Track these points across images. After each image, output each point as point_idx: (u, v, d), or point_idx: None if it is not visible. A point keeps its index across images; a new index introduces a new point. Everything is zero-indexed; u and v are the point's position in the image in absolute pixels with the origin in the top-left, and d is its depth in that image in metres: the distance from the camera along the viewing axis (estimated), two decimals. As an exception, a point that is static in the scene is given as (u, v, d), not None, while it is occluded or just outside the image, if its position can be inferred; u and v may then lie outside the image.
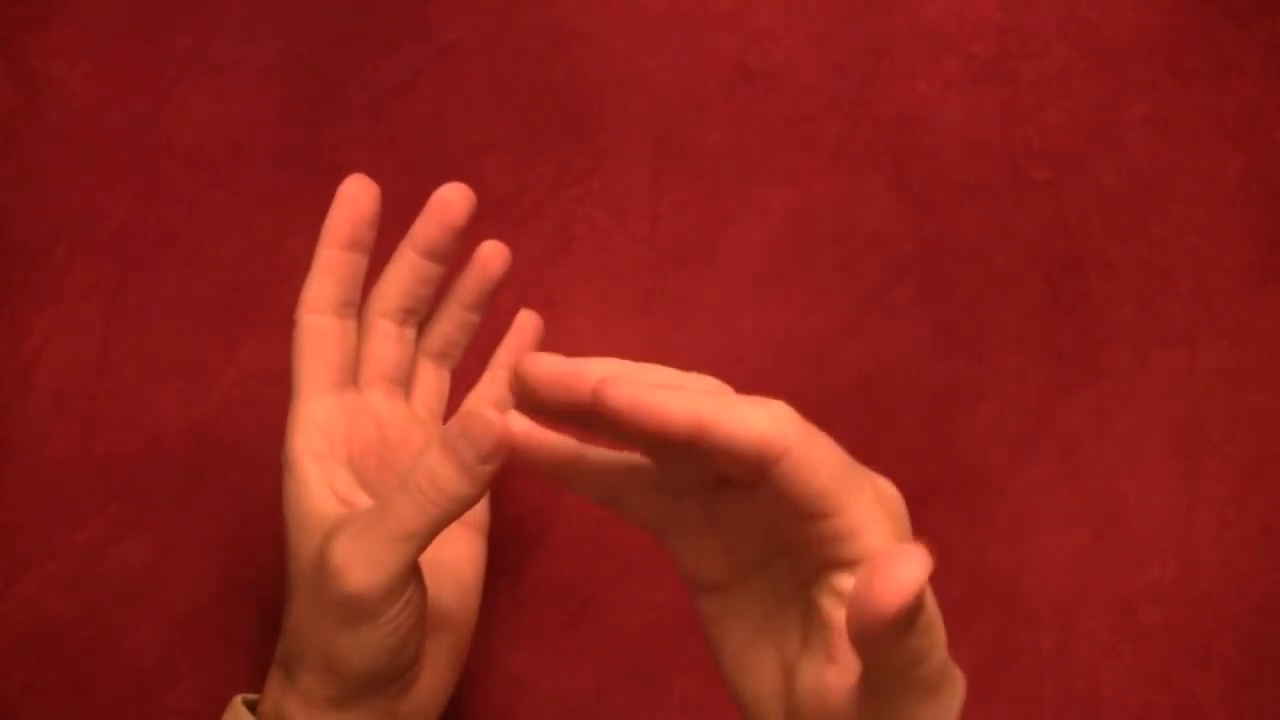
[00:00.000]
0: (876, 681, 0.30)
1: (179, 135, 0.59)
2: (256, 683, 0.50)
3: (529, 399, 0.32)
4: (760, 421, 0.30)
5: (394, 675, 0.39)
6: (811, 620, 0.33)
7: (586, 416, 0.31)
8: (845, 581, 0.32)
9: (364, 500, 0.40)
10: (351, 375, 0.42)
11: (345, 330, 0.42)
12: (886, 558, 0.26)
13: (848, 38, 0.61)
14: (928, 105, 0.59)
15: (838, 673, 0.32)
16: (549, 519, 0.51)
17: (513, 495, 0.51)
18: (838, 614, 0.32)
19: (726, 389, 0.34)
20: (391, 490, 0.37)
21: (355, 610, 0.37)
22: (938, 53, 0.60)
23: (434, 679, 0.42)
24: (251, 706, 0.41)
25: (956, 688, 0.31)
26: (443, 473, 0.36)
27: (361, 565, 0.36)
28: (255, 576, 0.50)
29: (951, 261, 0.56)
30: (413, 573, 0.38)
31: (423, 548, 0.37)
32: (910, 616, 0.27)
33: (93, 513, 0.52)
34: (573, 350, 0.55)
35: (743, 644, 0.35)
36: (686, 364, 0.55)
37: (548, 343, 0.55)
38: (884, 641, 0.27)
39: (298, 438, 0.40)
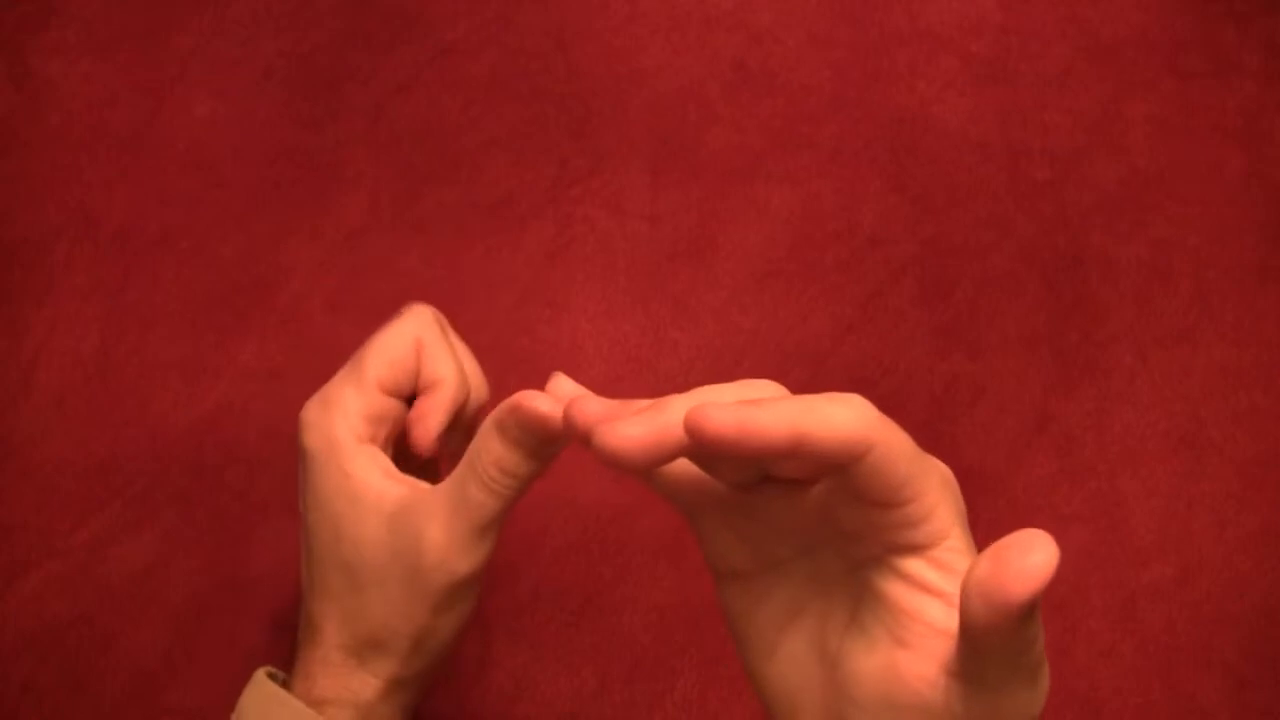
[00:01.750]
0: (982, 670, 0.29)
1: (179, 135, 0.59)
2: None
3: (628, 468, 0.30)
4: (847, 420, 0.29)
5: (457, 648, 0.41)
6: (867, 605, 0.32)
7: (680, 455, 0.30)
8: (912, 565, 0.31)
9: (404, 478, 0.40)
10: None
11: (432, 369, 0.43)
12: (1013, 545, 0.26)
13: (848, 38, 0.61)
14: (928, 105, 0.59)
15: (913, 658, 0.31)
16: (549, 519, 0.51)
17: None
18: (907, 598, 0.31)
19: (785, 390, 0.33)
20: (461, 479, 0.38)
21: (458, 593, 0.39)
22: (938, 53, 0.60)
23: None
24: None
25: (1047, 672, 0.31)
26: (511, 461, 0.37)
27: (461, 556, 0.38)
28: (255, 576, 0.50)
29: (951, 261, 0.56)
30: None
31: (503, 523, 0.39)
32: (1036, 603, 0.27)
33: (93, 513, 0.52)
34: (573, 350, 0.55)
35: (773, 632, 0.35)
36: (687, 363, 0.55)
37: (549, 342, 0.55)
38: (1008, 630, 0.27)
39: (340, 421, 0.40)
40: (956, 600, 0.31)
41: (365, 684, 0.39)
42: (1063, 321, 0.55)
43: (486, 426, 0.37)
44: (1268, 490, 0.51)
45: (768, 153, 0.58)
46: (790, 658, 0.34)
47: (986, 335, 0.54)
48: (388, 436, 0.42)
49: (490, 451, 0.37)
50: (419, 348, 0.42)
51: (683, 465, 0.35)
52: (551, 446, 0.37)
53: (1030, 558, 0.26)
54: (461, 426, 0.44)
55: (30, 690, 0.49)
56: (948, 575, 0.31)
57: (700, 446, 0.29)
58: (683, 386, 0.54)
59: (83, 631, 0.50)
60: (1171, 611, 0.49)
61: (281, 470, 0.52)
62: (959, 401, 0.54)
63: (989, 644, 0.28)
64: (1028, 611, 0.27)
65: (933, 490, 0.31)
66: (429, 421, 0.41)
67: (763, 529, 0.34)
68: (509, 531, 0.51)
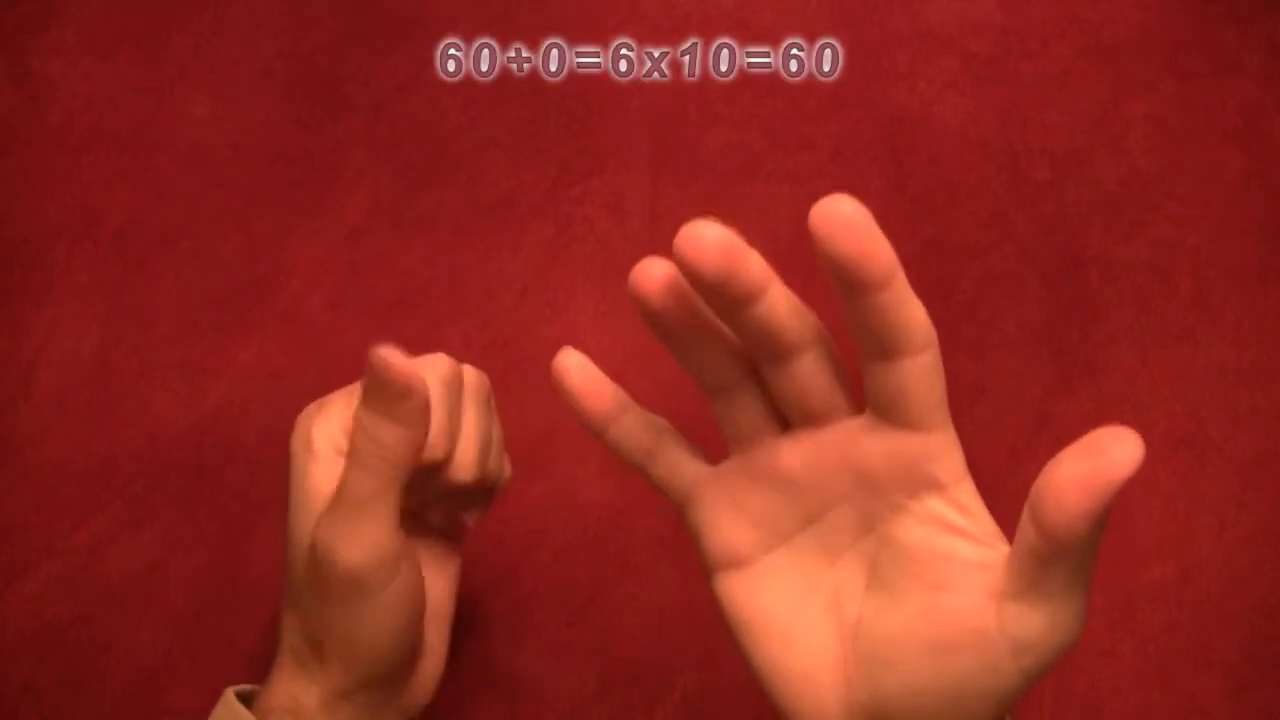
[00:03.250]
0: (1051, 579, 0.30)
1: (179, 135, 0.59)
2: (255, 682, 0.50)
3: (701, 274, 0.31)
4: (923, 310, 0.31)
5: (405, 659, 0.40)
6: (889, 561, 0.33)
7: (750, 279, 0.31)
8: (935, 506, 0.33)
9: None
10: None
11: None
12: (1103, 437, 0.28)
13: (848, 38, 0.61)
14: (928, 105, 0.59)
15: (955, 596, 0.32)
16: (550, 520, 0.51)
17: (513, 496, 0.51)
18: (937, 541, 0.32)
19: None
20: (345, 465, 0.37)
21: (355, 588, 0.37)
22: (938, 53, 0.60)
23: (426, 667, 0.42)
24: (244, 698, 0.41)
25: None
26: (373, 428, 0.37)
27: (343, 543, 0.37)
28: (255, 576, 0.50)
29: (951, 261, 0.56)
30: (398, 540, 0.38)
31: (394, 507, 0.37)
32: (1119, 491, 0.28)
33: (93, 513, 0.52)
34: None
35: (783, 615, 0.35)
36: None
37: (549, 342, 0.55)
38: (1097, 522, 0.28)
39: (322, 426, 0.40)
40: (981, 537, 0.32)
41: (306, 691, 0.39)
42: (1063, 321, 0.55)
43: (358, 402, 0.37)
44: (1268, 490, 0.51)
45: (768, 153, 0.58)
46: (805, 638, 0.34)
47: (986, 335, 0.54)
48: None
49: (359, 422, 0.37)
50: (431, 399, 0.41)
51: (684, 450, 0.36)
52: (405, 398, 0.36)
53: (1124, 443, 0.28)
54: (455, 493, 0.42)
55: (30, 690, 0.49)
56: (967, 516, 0.33)
57: (823, 233, 0.29)
58: (683, 387, 0.54)
59: (83, 631, 0.50)
60: (1171, 611, 0.49)
61: (281, 470, 0.52)
62: (959, 401, 0.54)
63: (1075, 540, 0.29)
64: (1111, 501, 0.28)
65: (951, 429, 0.33)
66: None
67: (770, 498, 0.35)
68: (509, 531, 0.51)
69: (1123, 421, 0.53)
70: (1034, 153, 0.58)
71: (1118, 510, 0.51)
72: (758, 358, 0.33)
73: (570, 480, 0.52)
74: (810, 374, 0.33)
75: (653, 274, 0.32)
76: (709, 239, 0.30)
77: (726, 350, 0.34)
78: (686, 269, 0.30)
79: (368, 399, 0.37)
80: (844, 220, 0.29)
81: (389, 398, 0.36)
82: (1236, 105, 0.59)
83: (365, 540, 0.37)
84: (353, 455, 0.37)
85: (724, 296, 0.31)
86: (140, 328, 0.55)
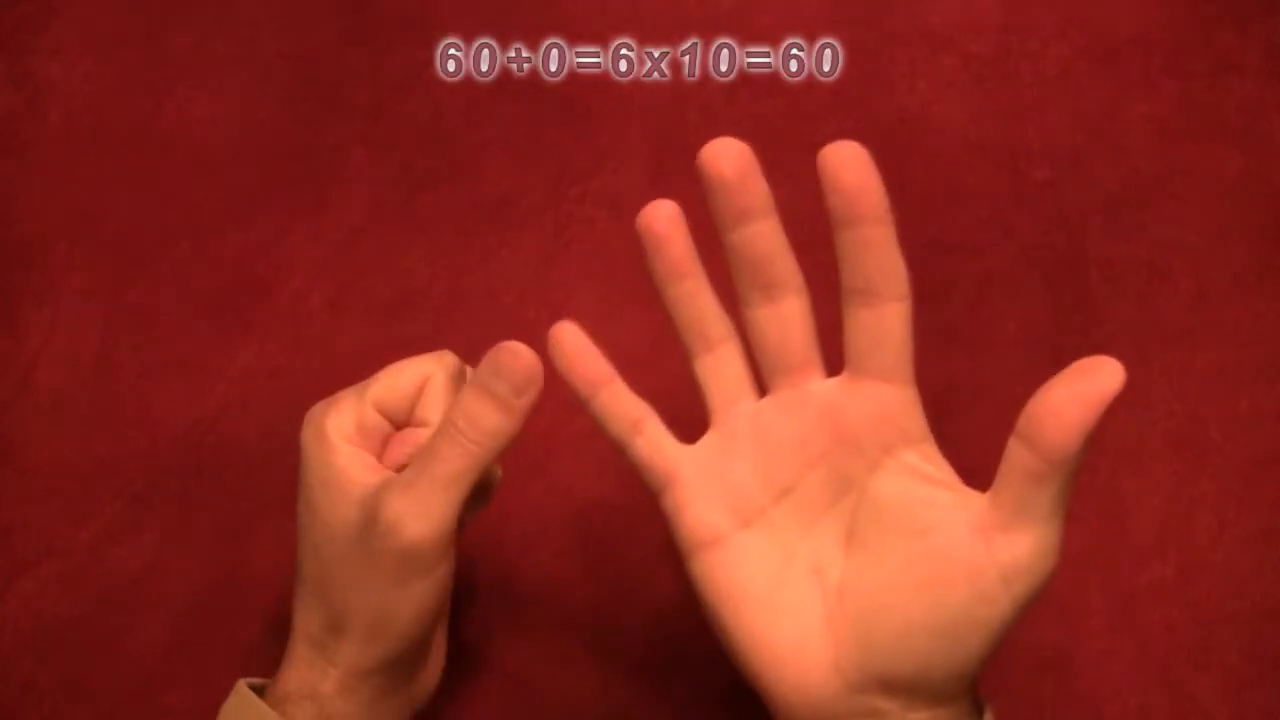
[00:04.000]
0: (1038, 502, 0.32)
1: (179, 135, 0.59)
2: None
3: (723, 178, 0.35)
4: (904, 266, 0.35)
5: (422, 644, 0.40)
6: (869, 519, 0.35)
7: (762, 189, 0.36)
8: (912, 458, 0.35)
9: (386, 471, 0.40)
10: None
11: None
12: (1086, 362, 0.32)
13: (848, 38, 0.61)
14: (928, 105, 0.59)
15: (942, 538, 0.33)
16: (550, 519, 0.51)
17: (513, 496, 0.51)
18: (918, 491, 0.34)
19: None
20: (433, 439, 0.38)
21: (412, 562, 0.37)
22: (938, 53, 0.60)
23: (430, 661, 0.43)
24: (256, 691, 0.41)
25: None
26: (479, 411, 0.37)
27: (415, 515, 0.37)
28: (255, 576, 0.50)
29: (951, 261, 0.56)
30: (455, 527, 0.38)
31: (468, 489, 0.38)
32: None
33: (93, 513, 0.52)
34: (573, 350, 0.55)
35: (764, 588, 0.35)
36: (688, 364, 0.55)
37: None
38: (1086, 436, 0.31)
39: (334, 419, 0.40)
40: (956, 486, 0.35)
41: (324, 674, 0.39)
42: (1063, 321, 0.55)
43: (466, 384, 0.38)
44: (1268, 490, 0.51)
45: (768, 153, 0.58)
46: (787, 607, 0.35)
47: (986, 335, 0.54)
48: (375, 454, 0.42)
49: (465, 402, 0.37)
50: (422, 386, 0.42)
51: (666, 432, 0.38)
52: (522, 394, 0.37)
53: (1108, 365, 0.32)
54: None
55: (30, 690, 0.49)
56: (939, 467, 0.36)
57: (831, 166, 0.35)
58: (684, 387, 0.54)
59: (83, 631, 0.50)
60: (1171, 611, 0.49)
61: (281, 470, 0.52)
62: (959, 401, 0.53)
63: (1070, 454, 0.31)
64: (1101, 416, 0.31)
65: (917, 389, 0.36)
66: (393, 451, 0.41)
67: (748, 467, 0.36)
68: (509, 531, 0.51)
69: (1123, 421, 0.53)
70: (1034, 153, 0.58)
71: (1117, 510, 0.51)
72: (749, 291, 0.37)
73: (570, 480, 0.52)
74: (793, 318, 0.37)
75: (659, 212, 0.36)
76: (733, 145, 0.36)
77: (715, 305, 0.38)
78: (709, 168, 0.35)
79: (481, 384, 0.37)
80: (850, 157, 0.35)
81: (508, 387, 0.37)
82: (1236, 105, 0.59)
83: (435, 515, 0.37)
84: (448, 433, 0.37)
85: (738, 199, 0.36)
86: (140, 328, 0.55)
